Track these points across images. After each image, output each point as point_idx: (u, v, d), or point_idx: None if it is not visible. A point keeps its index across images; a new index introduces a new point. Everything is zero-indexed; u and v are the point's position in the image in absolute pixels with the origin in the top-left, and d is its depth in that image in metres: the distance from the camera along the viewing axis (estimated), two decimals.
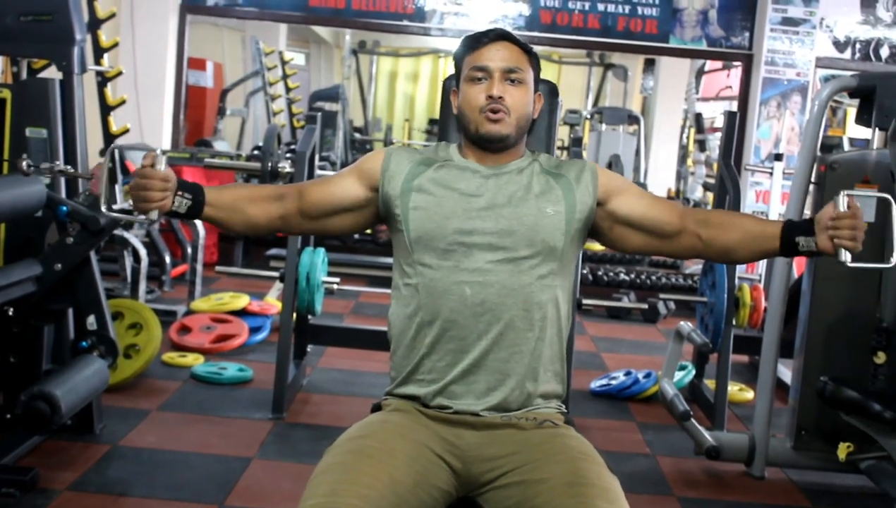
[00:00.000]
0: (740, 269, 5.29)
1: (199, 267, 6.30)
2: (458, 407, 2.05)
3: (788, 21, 7.74)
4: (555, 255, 2.10)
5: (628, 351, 6.24)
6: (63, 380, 3.28)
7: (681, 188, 11.03)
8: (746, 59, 8.01)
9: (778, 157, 6.62)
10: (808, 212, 4.00)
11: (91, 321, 3.65)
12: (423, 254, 2.09)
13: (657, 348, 6.24)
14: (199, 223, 6.27)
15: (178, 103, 8.25)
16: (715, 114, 11.85)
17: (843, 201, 2.03)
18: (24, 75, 4.15)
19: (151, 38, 7.93)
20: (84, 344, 3.65)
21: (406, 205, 2.12)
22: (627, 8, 7.96)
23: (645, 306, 6.66)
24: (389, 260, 2.23)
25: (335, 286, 4.77)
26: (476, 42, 2.17)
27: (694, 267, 8.56)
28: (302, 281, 4.38)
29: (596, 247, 8.71)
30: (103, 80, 5.75)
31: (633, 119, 10.40)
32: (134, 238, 5.71)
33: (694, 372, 5.04)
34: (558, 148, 11.53)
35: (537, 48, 2.23)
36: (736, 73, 9.38)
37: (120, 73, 5.77)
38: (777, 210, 6.30)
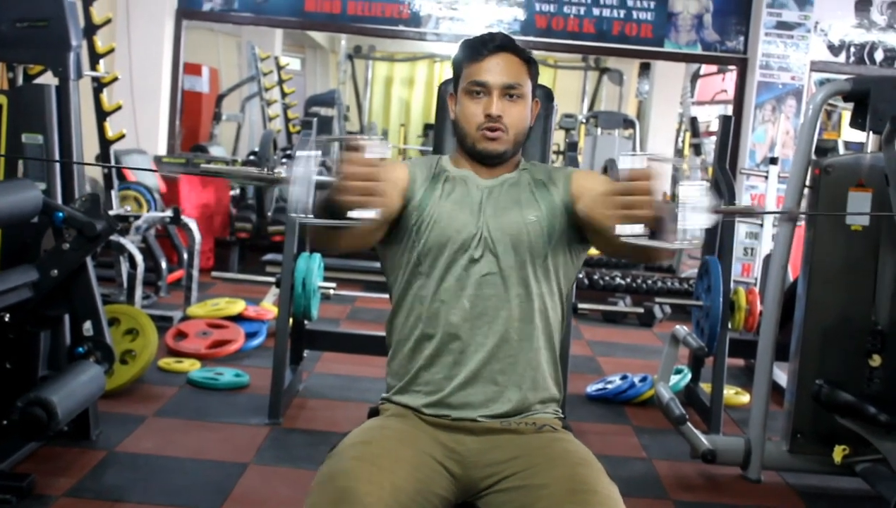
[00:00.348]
0: (736, 272, 5.29)
1: (196, 273, 6.30)
2: (457, 415, 2.06)
3: (783, 25, 7.77)
4: (538, 262, 2.10)
5: (624, 355, 6.24)
6: (59, 386, 3.28)
7: (676, 192, 11.04)
8: (741, 62, 8.03)
9: (773, 161, 6.64)
10: (802, 217, 4.01)
11: (87, 327, 3.64)
12: (430, 265, 2.10)
13: (653, 352, 6.24)
14: (194, 227, 6.26)
15: (174, 108, 8.27)
16: (710, 117, 11.86)
17: (626, 162, 1.71)
18: (20, 81, 4.14)
19: (147, 44, 7.94)
20: (80, 349, 3.65)
21: (423, 218, 2.11)
22: (622, 12, 7.99)
23: (641, 310, 6.66)
24: None
25: (331, 291, 4.77)
26: (476, 53, 2.14)
27: (690, 271, 8.57)
28: (298, 287, 4.38)
29: (591, 251, 8.71)
30: (99, 85, 5.75)
31: (628, 123, 10.41)
32: (130, 243, 5.71)
33: (690, 375, 5.05)
34: (554, 152, 11.57)
35: (532, 53, 2.22)
36: (731, 76, 9.40)
37: (116, 79, 5.76)
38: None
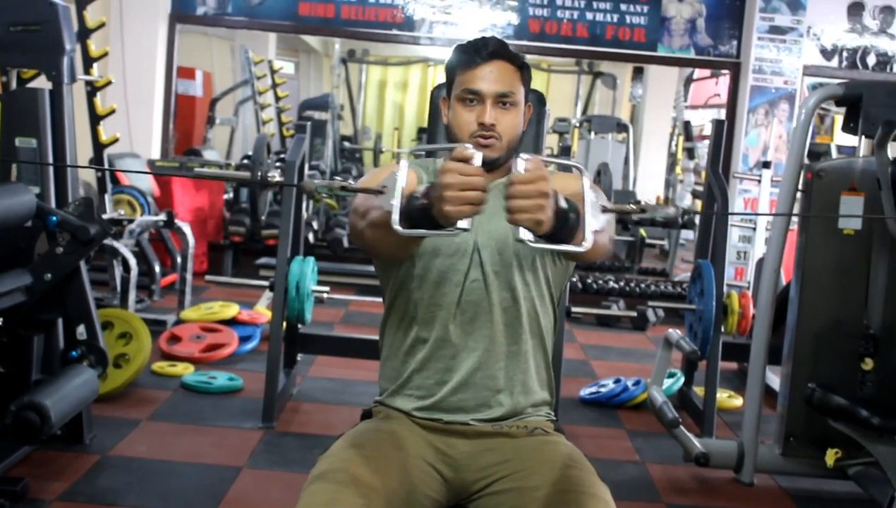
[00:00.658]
0: (729, 276, 5.31)
1: (189, 277, 6.30)
2: (449, 419, 2.07)
3: (776, 29, 7.78)
4: (525, 266, 2.10)
5: (617, 358, 6.25)
6: (53, 390, 3.28)
7: (669, 196, 11.07)
8: (734, 67, 8.05)
9: (766, 165, 6.65)
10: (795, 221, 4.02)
11: (81, 331, 3.64)
12: (424, 271, 2.09)
13: (646, 355, 6.25)
14: (188, 230, 6.26)
15: (168, 112, 8.26)
16: (703, 121, 11.89)
17: (520, 165, 1.67)
18: (13, 85, 4.14)
19: (141, 48, 7.94)
20: (74, 353, 3.65)
21: None
22: (616, 17, 8.00)
23: (634, 314, 6.67)
24: None
25: (325, 295, 4.77)
26: (469, 60, 2.12)
27: (683, 274, 8.59)
28: (292, 290, 4.38)
29: None
30: (93, 89, 5.75)
31: (622, 127, 10.46)
32: (123, 247, 5.70)
33: (683, 379, 5.06)
34: (547, 156, 11.59)
35: (526, 57, 2.21)
36: (724, 81, 9.42)
37: (109, 83, 5.77)
38: (765, 217, 6.32)
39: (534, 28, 8.01)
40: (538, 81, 13.42)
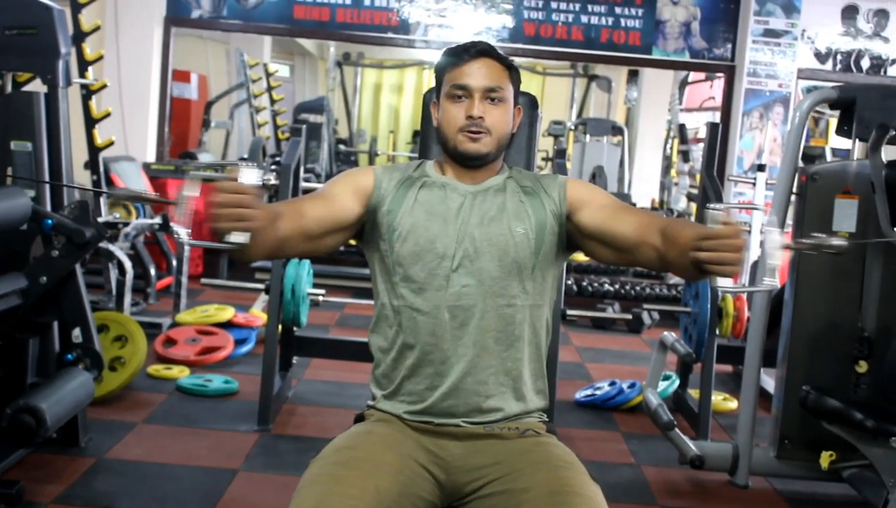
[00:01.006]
0: None
1: (185, 280, 6.30)
2: (441, 421, 2.07)
3: (770, 33, 7.80)
4: (526, 274, 2.09)
5: (613, 361, 6.26)
6: (48, 393, 3.28)
7: (664, 199, 11.06)
8: (729, 70, 8.07)
9: (760, 168, 6.64)
10: (790, 222, 4.03)
11: (76, 334, 3.65)
12: (406, 276, 2.09)
13: (641, 358, 6.26)
14: (183, 233, 6.26)
15: (163, 115, 8.26)
16: (698, 124, 11.89)
17: (713, 218, 1.77)
18: (8, 88, 4.14)
19: (136, 51, 7.94)
20: (69, 356, 3.65)
21: (393, 227, 2.11)
22: (611, 20, 8.01)
23: (629, 316, 6.68)
24: None
25: (320, 298, 4.78)
26: (457, 58, 2.15)
27: (678, 277, 8.58)
28: (287, 293, 4.39)
29: (580, 257, 8.73)
30: (88, 92, 5.75)
31: (616, 130, 10.44)
32: (119, 250, 5.71)
33: (678, 381, 5.07)
34: (542, 159, 11.61)
35: (521, 60, 2.24)
36: (719, 83, 9.44)
37: (104, 86, 5.77)
38: (760, 220, 6.32)
39: (529, 31, 8.02)
40: (533, 84, 13.47)
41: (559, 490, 1.87)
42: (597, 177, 8.69)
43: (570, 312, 4.68)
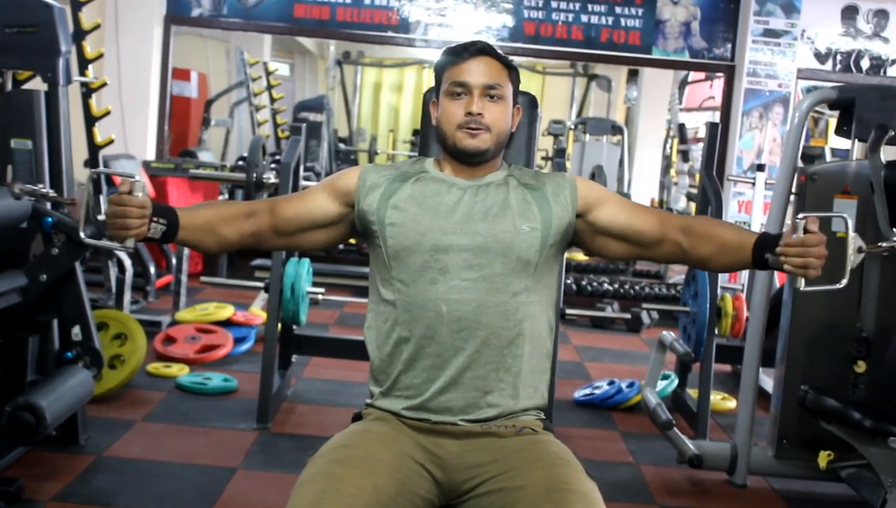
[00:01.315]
0: (723, 279, 5.31)
1: (184, 278, 6.30)
2: (438, 419, 2.07)
3: (770, 33, 7.80)
4: (529, 271, 2.10)
5: (612, 360, 6.26)
6: (48, 391, 3.29)
7: (664, 198, 11.07)
8: (729, 70, 8.07)
9: (760, 168, 6.67)
10: (788, 222, 4.03)
11: (76, 332, 3.66)
12: (400, 270, 2.10)
13: (640, 357, 6.26)
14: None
15: (163, 114, 8.26)
16: (698, 124, 11.90)
17: (800, 226, 1.99)
18: (8, 87, 4.14)
19: (136, 49, 7.94)
20: (69, 354, 3.66)
21: (383, 221, 2.12)
22: (611, 19, 8.01)
23: (628, 316, 6.65)
24: None
25: (320, 296, 4.78)
26: (457, 56, 2.17)
27: (677, 277, 8.60)
28: (287, 292, 4.39)
29: (580, 257, 8.75)
30: (88, 90, 5.75)
31: (616, 129, 10.45)
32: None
33: (677, 381, 5.07)
34: (542, 158, 11.61)
35: (521, 59, 2.25)
36: (719, 83, 9.44)
37: (104, 84, 5.76)
38: (759, 220, 6.34)
39: (529, 30, 8.02)
40: (533, 84, 13.47)
41: (556, 487, 1.88)
42: (596, 176, 8.70)
43: (569, 311, 4.67)
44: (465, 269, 2.06)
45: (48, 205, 3.80)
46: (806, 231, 1.98)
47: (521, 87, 2.30)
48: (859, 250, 2.12)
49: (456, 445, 2.05)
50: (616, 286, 7.60)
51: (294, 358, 4.95)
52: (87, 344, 3.68)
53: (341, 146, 12.57)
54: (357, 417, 2.21)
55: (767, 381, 4.75)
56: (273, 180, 5.37)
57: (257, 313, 6.04)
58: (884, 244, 2.35)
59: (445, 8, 8.03)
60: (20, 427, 3.16)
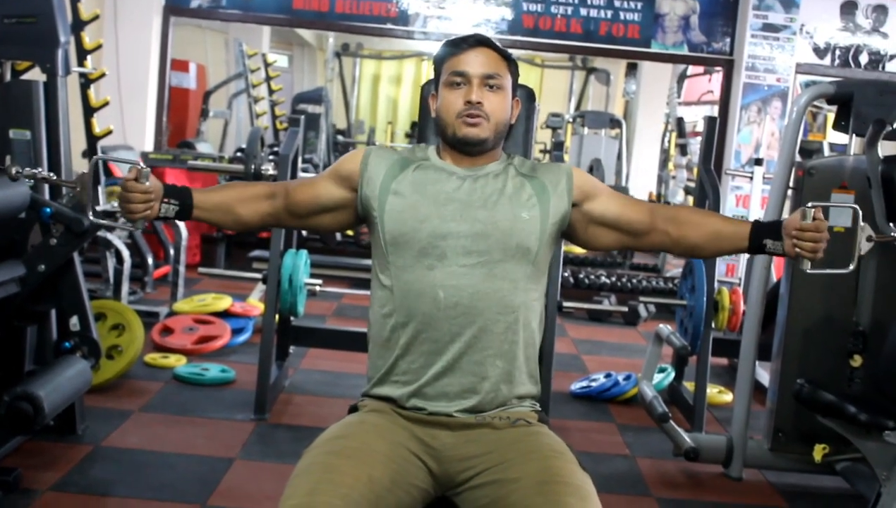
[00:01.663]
0: (720, 273, 5.33)
1: (182, 269, 6.31)
2: (433, 409, 2.08)
3: (769, 27, 7.81)
4: (528, 259, 2.11)
5: (608, 353, 6.27)
6: (46, 381, 3.29)
7: (662, 192, 11.08)
8: (727, 64, 8.07)
9: (758, 162, 6.67)
10: (786, 217, 4.04)
11: (74, 322, 3.66)
12: (397, 255, 2.11)
13: (637, 350, 6.27)
14: (181, 224, 6.28)
15: (161, 105, 8.26)
16: (697, 118, 11.90)
17: (809, 214, 2.10)
18: (7, 77, 4.14)
19: (134, 40, 7.94)
20: (67, 344, 3.66)
21: (382, 206, 2.14)
22: (610, 13, 8.01)
23: (625, 309, 6.70)
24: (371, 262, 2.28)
25: (318, 288, 4.78)
26: (456, 47, 2.18)
27: (674, 270, 8.61)
28: (284, 283, 4.40)
29: (577, 250, 8.76)
30: (86, 81, 5.75)
31: (615, 123, 10.45)
32: (117, 239, 5.72)
33: (673, 374, 5.08)
34: (540, 151, 11.61)
35: (520, 52, 2.26)
36: (717, 77, 9.44)
37: (103, 75, 5.76)
38: (756, 214, 6.35)
39: (527, 23, 8.02)
40: (532, 77, 13.47)
41: (549, 479, 1.89)
42: (594, 169, 8.69)
43: (566, 304, 4.69)
44: (464, 255, 2.08)
45: (46, 194, 3.81)
46: (814, 219, 2.08)
47: (520, 80, 2.31)
48: (869, 239, 2.25)
49: (451, 436, 2.06)
50: (613, 279, 7.61)
51: (291, 349, 4.96)
52: (84, 334, 3.68)
53: (339, 138, 12.57)
54: (353, 408, 2.21)
55: (764, 375, 4.77)
56: (271, 172, 5.38)
57: (255, 304, 6.04)
58: (894, 234, 2.44)
59: (444, 0, 8.03)
60: (18, 417, 3.17)
